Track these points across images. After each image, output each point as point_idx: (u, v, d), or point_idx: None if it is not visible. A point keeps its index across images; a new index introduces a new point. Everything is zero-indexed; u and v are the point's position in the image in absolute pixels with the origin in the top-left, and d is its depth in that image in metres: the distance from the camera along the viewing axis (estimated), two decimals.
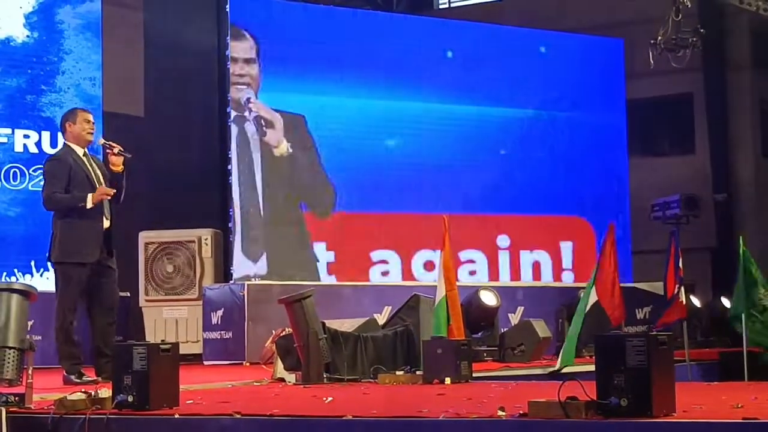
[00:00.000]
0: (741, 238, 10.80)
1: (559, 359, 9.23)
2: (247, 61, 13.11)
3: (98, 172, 8.37)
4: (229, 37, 12.99)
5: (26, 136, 12.52)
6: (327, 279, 13.15)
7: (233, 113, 12.98)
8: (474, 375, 8.08)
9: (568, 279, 14.54)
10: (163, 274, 12.51)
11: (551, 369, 9.41)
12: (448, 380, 7.66)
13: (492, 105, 14.45)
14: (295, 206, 13.23)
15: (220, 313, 11.79)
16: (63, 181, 8.22)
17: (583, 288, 12.56)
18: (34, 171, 12.46)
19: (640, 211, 15.61)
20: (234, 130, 12.93)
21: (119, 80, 14.03)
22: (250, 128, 13.06)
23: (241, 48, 13.06)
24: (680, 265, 10.38)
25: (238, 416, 5.35)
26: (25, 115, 12.55)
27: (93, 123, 8.48)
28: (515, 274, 14.42)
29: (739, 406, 5.20)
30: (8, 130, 12.42)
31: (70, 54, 12.89)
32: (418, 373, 8.07)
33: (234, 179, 12.83)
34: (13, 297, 5.99)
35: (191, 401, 6.14)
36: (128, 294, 12.64)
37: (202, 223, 12.95)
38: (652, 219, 15.92)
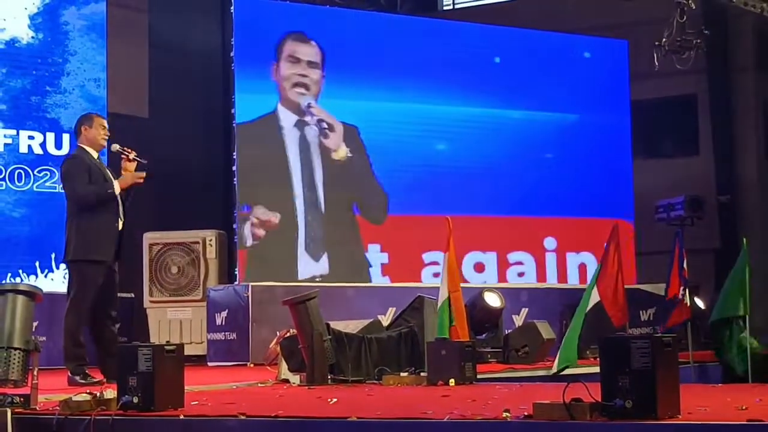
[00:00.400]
0: (744, 240, 10.77)
1: (557, 360, 9.18)
2: (310, 64, 13.52)
3: (110, 174, 8.47)
4: (234, 39, 13.01)
5: (31, 137, 12.53)
6: (381, 280, 13.55)
7: (294, 117, 13.35)
8: (478, 376, 8.09)
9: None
10: (167, 275, 12.52)
11: (551, 371, 9.37)
12: (452, 382, 7.66)
13: (498, 107, 14.53)
14: (350, 209, 13.62)
15: (224, 314, 11.79)
16: (84, 177, 8.31)
17: (585, 290, 12.66)
18: (39, 172, 12.48)
19: (644, 212, 15.60)
20: (295, 134, 13.35)
21: (124, 81, 14.04)
22: (311, 132, 13.43)
23: (305, 53, 13.48)
24: (685, 266, 10.37)
25: (243, 417, 5.36)
26: (29, 116, 12.56)
27: (107, 129, 8.57)
28: (562, 275, 14.64)
29: (744, 408, 5.20)
30: (13, 131, 12.44)
31: (74, 55, 12.91)
32: (422, 374, 8.08)
33: (237, 180, 12.86)
34: (18, 298, 6.01)
35: (196, 402, 6.14)
36: (132, 295, 12.67)
37: (206, 224, 12.96)
38: (656, 220, 15.91)
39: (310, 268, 13.14)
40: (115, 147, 8.54)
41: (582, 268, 14.69)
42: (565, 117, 14.91)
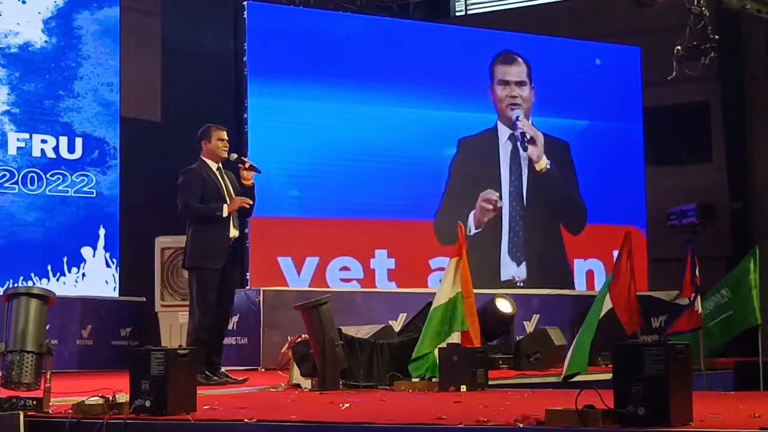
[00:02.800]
0: (756, 249, 10.72)
1: (566, 366, 9.14)
2: (519, 83, 14.48)
3: (230, 186, 8.79)
4: (246, 44, 13.03)
5: (44, 141, 12.56)
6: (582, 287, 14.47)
7: (507, 131, 14.36)
8: (489, 383, 8.08)
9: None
10: (179, 279, 12.52)
11: (560, 377, 9.32)
12: (463, 388, 7.65)
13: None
14: (552, 218, 14.50)
15: (235, 318, 11.78)
16: (198, 192, 8.66)
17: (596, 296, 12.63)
18: (52, 176, 12.51)
19: (657, 219, 15.57)
20: (509, 147, 14.35)
21: (136, 85, 14.07)
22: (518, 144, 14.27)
23: (515, 72, 14.47)
24: (697, 273, 10.35)
25: (255, 422, 5.35)
26: (42, 120, 12.60)
27: (227, 140, 8.83)
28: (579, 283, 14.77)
29: (757, 415, 5.18)
30: (26, 135, 12.46)
31: (87, 59, 12.94)
32: (434, 380, 8.07)
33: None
34: (32, 301, 6.01)
35: (208, 407, 6.15)
36: (144, 299, 12.69)
37: None
38: (668, 227, 15.88)
39: (511, 270, 14.10)
40: (234, 156, 8.83)
41: (590, 274, 14.68)
42: (577, 123, 14.89)
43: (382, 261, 13.47)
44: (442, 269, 13.07)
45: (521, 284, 14.04)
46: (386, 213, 13.51)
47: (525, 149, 14.33)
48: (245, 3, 13.16)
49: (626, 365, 4.86)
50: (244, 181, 8.75)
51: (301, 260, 13.08)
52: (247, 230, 12.84)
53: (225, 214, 8.59)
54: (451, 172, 13.98)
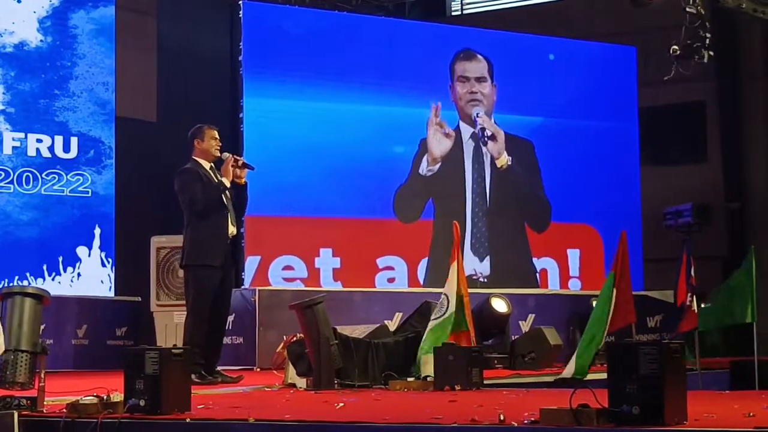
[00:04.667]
0: (752, 247, 10.73)
1: (569, 366, 9.08)
2: (479, 79, 14.29)
3: (224, 182, 8.72)
4: (242, 43, 13.02)
5: (39, 141, 12.56)
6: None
7: (469, 129, 14.17)
8: (485, 382, 8.08)
9: (575, 286, 14.56)
10: (174, 279, 12.51)
11: (560, 376, 9.27)
12: (458, 387, 7.65)
13: (506, 113, 14.53)
14: (516, 216, 14.39)
15: (231, 318, 11.74)
16: (197, 187, 8.62)
17: (594, 296, 12.61)
18: (47, 175, 12.51)
19: (652, 219, 15.58)
20: (471, 144, 14.18)
21: (132, 85, 14.06)
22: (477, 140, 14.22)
23: (475, 68, 14.30)
24: (692, 273, 10.35)
25: (250, 421, 5.35)
26: (38, 120, 12.59)
27: (219, 139, 8.83)
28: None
29: (751, 414, 5.19)
30: (21, 135, 12.46)
31: (83, 59, 12.93)
32: (429, 379, 8.07)
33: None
34: (26, 301, 6.00)
35: (202, 406, 6.14)
36: (139, 299, 12.69)
37: None
38: (664, 227, 15.88)
39: (474, 265, 13.83)
40: (226, 155, 8.77)
41: (543, 273, 14.71)
42: (572, 123, 14.89)
43: (327, 260, 13.35)
44: (391, 268, 13.29)
45: (484, 280, 13.84)
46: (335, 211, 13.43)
47: (485, 144, 14.14)
48: (241, 2, 13.15)
49: (621, 364, 4.86)
50: (237, 180, 8.71)
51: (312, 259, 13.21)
52: (242, 230, 12.86)
53: (227, 183, 8.59)
54: (412, 170, 13.85)
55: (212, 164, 8.81)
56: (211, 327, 8.63)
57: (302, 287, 12.57)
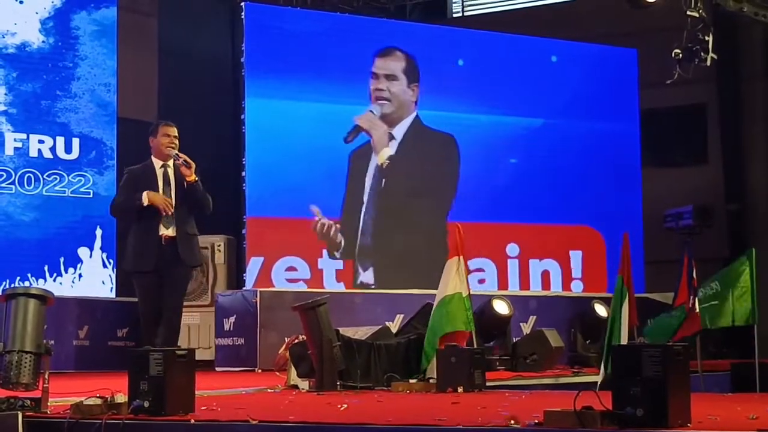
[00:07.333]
0: (753, 250, 10.71)
1: (603, 374, 8.95)
2: (388, 77, 13.94)
3: (172, 185, 8.48)
4: (244, 44, 13.04)
5: (41, 141, 12.56)
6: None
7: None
8: (487, 384, 8.09)
9: (577, 288, 14.58)
10: None
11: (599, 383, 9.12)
12: (461, 389, 7.66)
13: (507, 114, 14.52)
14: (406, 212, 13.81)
15: (232, 319, 11.80)
16: (124, 191, 8.49)
17: (595, 298, 12.63)
18: (49, 176, 12.51)
19: (653, 221, 15.58)
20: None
21: (134, 86, 14.06)
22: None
23: (389, 65, 13.94)
24: (694, 275, 10.34)
25: (254, 422, 5.36)
26: (39, 121, 12.59)
27: (174, 137, 8.54)
28: (524, 282, 14.50)
29: (754, 417, 5.20)
30: (23, 135, 12.46)
31: (85, 60, 12.94)
32: (431, 381, 8.07)
33: (247, 186, 12.90)
34: (30, 302, 6.01)
35: (205, 407, 6.15)
36: None
37: (215, 229, 12.96)
38: (664, 229, 15.88)
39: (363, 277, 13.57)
40: (173, 153, 8.50)
41: (545, 274, 14.70)
42: (574, 124, 14.91)
43: (328, 261, 13.39)
44: None
45: (373, 286, 13.48)
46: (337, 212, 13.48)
47: (347, 141, 13.60)
48: (243, 4, 13.19)
49: (625, 366, 4.87)
50: (186, 178, 8.40)
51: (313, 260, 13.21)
52: (244, 231, 12.87)
53: (145, 202, 8.25)
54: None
55: (166, 163, 8.51)
56: (162, 333, 8.29)
57: (304, 288, 12.58)
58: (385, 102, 13.88)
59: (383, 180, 13.81)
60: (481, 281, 14.09)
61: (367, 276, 13.55)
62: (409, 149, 13.98)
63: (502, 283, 14.30)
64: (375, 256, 13.67)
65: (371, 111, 13.79)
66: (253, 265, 12.73)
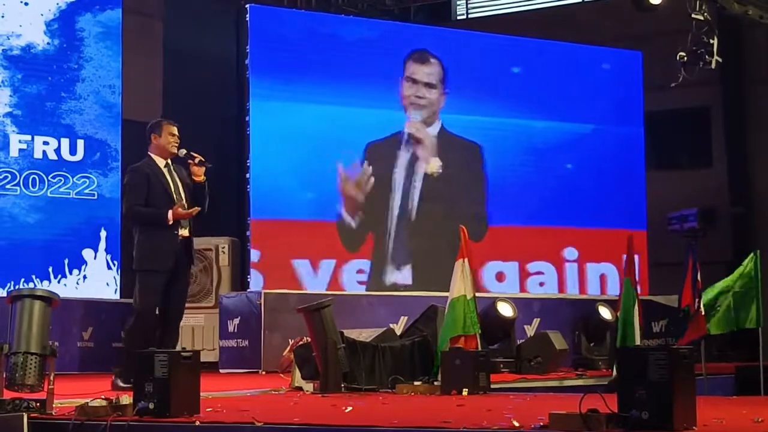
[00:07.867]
0: (758, 252, 10.70)
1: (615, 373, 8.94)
2: (427, 85, 14.12)
3: (179, 183, 8.47)
4: (248, 46, 13.05)
5: (45, 143, 12.55)
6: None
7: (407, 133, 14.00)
8: (491, 386, 8.08)
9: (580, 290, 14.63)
10: None
11: (611, 380, 9.09)
12: (465, 391, 7.66)
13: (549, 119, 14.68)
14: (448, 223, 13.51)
15: (236, 321, 11.81)
16: (142, 193, 8.38)
17: (597, 300, 12.63)
18: (53, 178, 12.50)
19: (657, 223, 15.58)
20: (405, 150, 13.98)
21: (138, 88, 14.06)
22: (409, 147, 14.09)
23: (426, 72, 14.12)
24: (698, 278, 10.34)
25: (259, 424, 5.36)
26: (44, 122, 12.59)
27: (177, 136, 8.53)
28: (582, 285, 14.68)
29: (760, 420, 5.19)
30: (28, 137, 12.46)
31: (90, 61, 12.93)
32: (435, 383, 8.07)
33: (251, 188, 12.90)
34: (36, 303, 6.02)
35: (210, 409, 6.15)
36: None
37: (219, 231, 12.98)
38: (669, 232, 15.88)
39: (393, 276, 13.67)
40: (182, 152, 8.47)
41: (603, 278, 14.73)
42: (579, 127, 14.91)
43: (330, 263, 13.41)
44: None
45: (404, 288, 13.57)
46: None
47: (407, 150, 13.89)
48: (247, 6, 13.19)
49: (630, 370, 4.87)
50: (195, 177, 8.39)
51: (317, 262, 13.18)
52: (248, 233, 12.88)
53: (170, 221, 8.27)
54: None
55: (168, 161, 8.51)
56: (162, 332, 8.33)
57: (307, 290, 12.58)
58: (422, 108, 14.07)
59: (424, 185, 14.00)
60: (542, 284, 14.35)
61: (403, 276, 13.70)
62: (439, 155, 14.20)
63: (561, 285, 14.55)
64: (414, 258, 13.80)
65: (414, 118, 14.01)
66: (257, 267, 12.72)
